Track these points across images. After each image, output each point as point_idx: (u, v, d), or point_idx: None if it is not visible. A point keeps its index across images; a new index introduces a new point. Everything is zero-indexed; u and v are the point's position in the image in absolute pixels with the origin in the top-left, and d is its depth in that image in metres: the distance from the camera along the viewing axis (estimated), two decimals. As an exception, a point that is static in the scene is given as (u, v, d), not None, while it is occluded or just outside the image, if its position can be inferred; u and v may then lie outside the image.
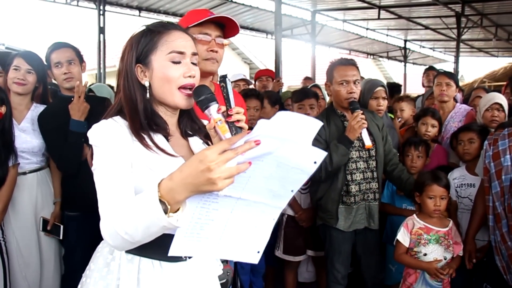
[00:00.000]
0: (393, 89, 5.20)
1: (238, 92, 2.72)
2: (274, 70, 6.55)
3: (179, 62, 1.36)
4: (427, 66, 5.79)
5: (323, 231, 2.95)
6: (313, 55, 11.91)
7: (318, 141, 2.68)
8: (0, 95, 2.54)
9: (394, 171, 2.98)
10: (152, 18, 10.07)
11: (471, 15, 11.39)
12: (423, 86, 5.47)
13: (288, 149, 1.08)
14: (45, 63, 2.82)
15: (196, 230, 1.15)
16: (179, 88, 1.36)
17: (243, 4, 10.39)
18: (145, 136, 1.32)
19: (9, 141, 2.56)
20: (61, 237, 2.79)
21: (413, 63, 19.99)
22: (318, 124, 1.14)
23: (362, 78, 3.17)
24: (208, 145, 1.50)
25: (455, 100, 3.90)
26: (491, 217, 2.45)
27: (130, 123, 1.32)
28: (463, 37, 12.35)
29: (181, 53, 1.36)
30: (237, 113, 1.31)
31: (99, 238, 2.76)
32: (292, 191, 1.20)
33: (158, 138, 1.35)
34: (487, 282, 2.59)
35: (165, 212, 1.08)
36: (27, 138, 2.73)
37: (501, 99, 3.41)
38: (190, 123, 1.50)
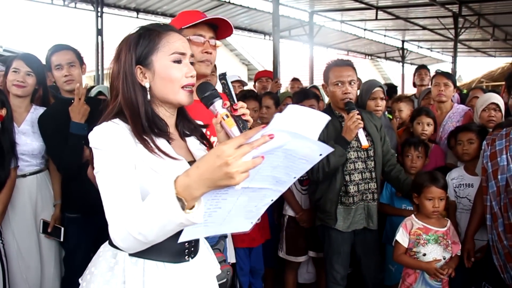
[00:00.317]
0: (390, 90, 5.17)
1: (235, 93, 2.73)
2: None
3: (180, 63, 1.37)
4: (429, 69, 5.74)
5: (322, 232, 2.96)
6: (311, 56, 11.94)
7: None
8: (0, 97, 2.54)
9: (391, 171, 2.99)
10: (150, 20, 10.08)
11: (468, 16, 11.43)
12: (414, 86, 5.37)
13: (297, 142, 1.11)
14: (44, 65, 2.82)
15: (205, 218, 1.17)
16: (182, 87, 1.37)
17: (240, 6, 10.41)
18: (148, 140, 1.32)
19: (10, 144, 2.57)
20: (61, 239, 2.79)
21: (411, 64, 20.01)
22: (326, 118, 1.18)
23: (358, 79, 3.17)
24: (204, 145, 1.51)
25: (451, 100, 3.91)
26: (489, 217, 2.47)
27: (133, 127, 1.31)
28: (461, 37, 12.39)
29: (182, 54, 1.37)
30: (241, 107, 1.33)
31: (99, 240, 2.74)
32: (294, 177, 1.23)
33: (161, 141, 1.35)
34: (486, 281, 2.60)
35: (182, 209, 1.08)
36: (27, 140, 2.73)
37: (498, 99, 3.43)
38: (187, 124, 1.51)
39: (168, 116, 1.43)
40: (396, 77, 19.80)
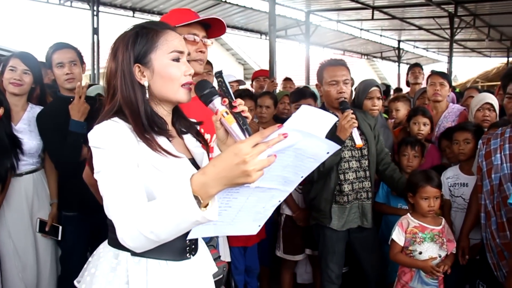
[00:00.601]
0: (383, 91, 5.18)
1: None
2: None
3: (178, 61, 1.37)
4: (425, 69, 5.73)
5: (316, 231, 2.97)
6: (307, 56, 11.94)
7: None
8: None
9: (386, 170, 3.01)
10: (146, 19, 10.04)
11: (464, 16, 11.47)
12: (408, 85, 5.36)
13: (308, 141, 1.14)
14: (41, 62, 2.81)
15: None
16: (181, 86, 1.37)
17: (237, 5, 10.40)
18: (150, 138, 1.31)
19: (10, 141, 2.57)
20: (59, 238, 2.79)
21: (407, 64, 20.03)
22: (334, 119, 1.24)
23: (351, 78, 3.18)
24: (200, 142, 1.51)
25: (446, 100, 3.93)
26: (483, 215, 2.49)
27: (134, 126, 1.31)
28: (456, 37, 12.43)
29: (181, 52, 1.38)
30: (240, 104, 1.33)
31: (96, 239, 2.74)
32: (302, 177, 1.26)
33: (161, 139, 1.34)
34: (480, 279, 2.62)
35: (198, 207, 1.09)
36: (24, 139, 2.72)
37: (492, 99, 3.46)
38: (183, 121, 1.51)
39: (166, 115, 1.42)
40: (392, 77, 19.85)
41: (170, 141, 1.38)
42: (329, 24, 12.93)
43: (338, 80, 2.79)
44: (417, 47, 18.03)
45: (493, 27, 13.08)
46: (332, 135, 2.74)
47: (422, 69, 5.24)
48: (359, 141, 2.62)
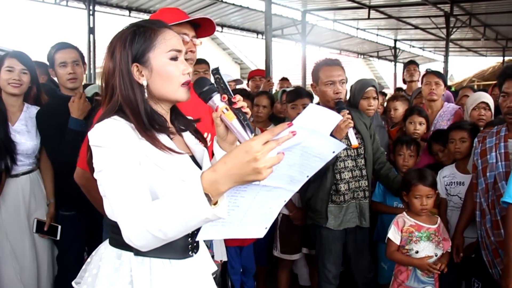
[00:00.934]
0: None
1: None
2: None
3: (176, 60, 1.36)
4: (421, 68, 5.72)
5: (313, 231, 2.97)
6: (303, 55, 11.96)
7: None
8: None
9: (381, 169, 3.02)
10: (142, 19, 10.02)
11: (459, 15, 11.50)
12: (404, 82, 5.35)
13: (314, 140, 1.15)
14: (35, 62, 2.81)
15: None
16: (181, 85, 1.36)
17: (233, 4, 10.39)
18: (153, 136, 1.31)
19: (6, 143, 2.56)
20: (58, 238, 2.79)
21: (403, 63, 20.09)
22: (338, 117, 1.27)
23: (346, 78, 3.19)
24: (199, 139, 1.51)
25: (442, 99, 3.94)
26: (478, 213, 2.51)
27: (136, 124, 1.30)
28: (452, 36, 12.47)
29: (179, 51, 1.37)
30: (239, 100, 1.33)
31: (93, 238, 2.74)
32: (307, 176, 1.27)
33: (163, 137, 1.34)
34: (475, 276, 2.63)
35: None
36: (22, 140, 2.72)
37: (488, 98, 3.47)
38: (182, 119, 1.51)
39: (164, 114, 1.42)
40: (389, 76, 19.88)
41: (171, 138, 1.38)
42: (325, 23, 12.94)
43: (335, 80, 2.79)
44: (413, 47, 18.06)
45: (488, 26, 13.12)
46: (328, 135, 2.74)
47: (418, 66, 5.22)
48: (354, 141, 2.62)
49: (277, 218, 3.40)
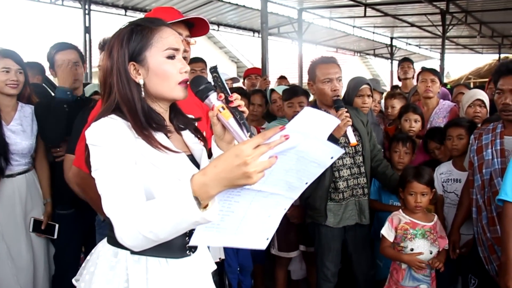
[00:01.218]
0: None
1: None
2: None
3: (173, 58, 1.36)
4: (418, 65, 5.70)
5: (312, 229, 2.97)
6: (300, 53, 11.93)
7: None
8: None
9: (378, 167, 3.02)
10: (138, 18, 9.98)
11: (455, 13, 11.51)
12: (399, 79, 5.36)
13: (309, 144, 1.13)
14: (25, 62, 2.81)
15: (217, 222, 1.17)
16: (178, 84, 1.36)
17: (229, 3, 10.36)
18: (149, 135, 1.31)
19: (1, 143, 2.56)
20: (55, 237, 2.79)
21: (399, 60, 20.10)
22: (336, 121, 1.24)
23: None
24: (198, 138, 1.50)
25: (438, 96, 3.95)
26: (474, 210, 2.52)
27: (133, 123, 1.30)
28: (448, 34, 12.46)
29: (176, 49, 1.36)
30: (236, 98, 1.32)
31: (90, 237, 2.74)
32: (306, 183, 1.25)
33: (159, 136, 1.34)
34: (472, 273, 2.64)
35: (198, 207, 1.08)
36: (17, 139, 2.71)
37: (483, 95, 3.49)
38: (181, 118, 1.50)
39: (163, 112, 1.42)
40: (385, 74, 19.89)
41: (168, 137, 1.38)
42: (321, 21, 12.93)
43: (332, 78, 2.79)
44: (409, 44, 18.06)
45: (484, 23, 13.14)
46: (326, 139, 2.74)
47: (412, 63, 5.23)
48: (353, 140, 2.63)
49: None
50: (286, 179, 1.20)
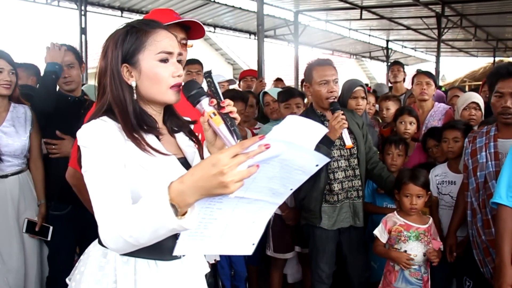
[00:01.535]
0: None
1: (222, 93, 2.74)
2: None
3: (167, 61, 1.35)
4: (413, 68, 5.72)
5: (307, 231, 2.97)
6: (296, 56, 11.97)
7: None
8: None
9: (374, 169, 3.02)
10: (134, 19, 9.96)
11: (451, 16, 11.59)
12: (390, 82, 5.36)
13: (294, 153, 1.11)
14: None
15: (200, 230, 1.16)
16: (170, 88, 1.35)
17: (225, 5, 10.38)
18: (139, 137, 1.30)
19: None
20: (49, 239, 2.77)
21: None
22: (324, 130, 1.20)
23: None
24: (193, 141, 1.50)
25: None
26: (469, 212, 2.52)
27: (123, 125, 1.30)
28: (444, 37, 12.54)
29: (169, 53, 1.35)
30: (228, 104, 1.31)
31: (84, 238, 2.72)
32: (291, 189, 1.23)
33: (150, 138, 1.34)
34: (467, 275, 2.65)
35: (175, 215, 1.07)
36: (9, 140, 2.70)
37: (478, 98, 3.51)
38: (175, 120, 1.50)
39: (155, 114, 1.41)
40: (381, 77, 19.94)
41: (159, 139, 1.37)
42: (317, 24, 12.97)
43: (329, 80, 2.80)
44: (405, 47, 18.15)
45: (479, 27, 13.22)
46: (322, 136, 2.74)
47: (402, 66, 5.22)
48: (349, 142, 2.63)
49: (270, 218, 3.43)
50: (270, 186, 1.18)
